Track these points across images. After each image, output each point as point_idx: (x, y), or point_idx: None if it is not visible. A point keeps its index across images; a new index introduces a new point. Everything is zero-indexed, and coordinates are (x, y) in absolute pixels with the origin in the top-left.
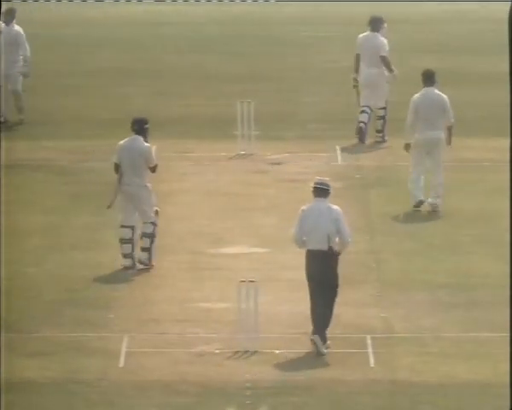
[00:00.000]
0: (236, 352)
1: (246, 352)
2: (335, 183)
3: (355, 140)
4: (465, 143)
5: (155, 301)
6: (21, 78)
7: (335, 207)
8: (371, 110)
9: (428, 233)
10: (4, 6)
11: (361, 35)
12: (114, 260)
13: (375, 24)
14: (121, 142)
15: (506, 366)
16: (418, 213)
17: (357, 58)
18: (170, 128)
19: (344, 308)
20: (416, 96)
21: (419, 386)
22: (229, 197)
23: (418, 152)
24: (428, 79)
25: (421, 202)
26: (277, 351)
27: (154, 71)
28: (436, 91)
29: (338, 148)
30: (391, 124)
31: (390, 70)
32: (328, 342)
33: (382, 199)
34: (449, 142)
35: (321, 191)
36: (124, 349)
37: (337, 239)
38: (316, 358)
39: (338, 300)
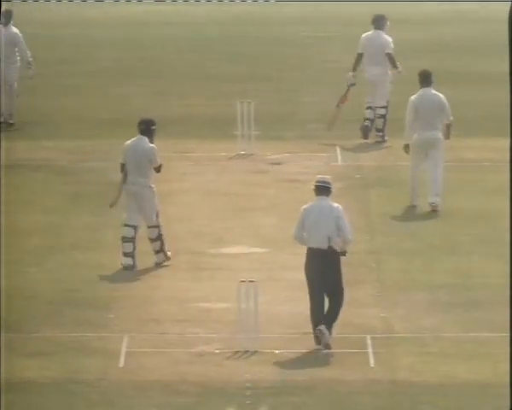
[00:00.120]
0: (236, 352)
1: (246, 352)
2: (335, 183)
3: (355, 140)
4: (465, 143)
5: (155, 301)
6: (16, 84)
7: (336, 205)
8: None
9: (428, 233)
10: (4, 6)
11: (364, 34)
12: (114, 260)
13: (379, 22)
14: (127, 142)
15: (506, 366)
16: (418, 214)
17: (359, 58)
18: (170, 128)
19: (344, 308)
20: (414, 97)
21: (419, 386)
22: (229, 197)
23: (417, 153)
24: (425, 79)
25: (413, 207)
26: (277, 351)
27: (154, 71)
28: (433, 92)
29: (338, 148)
30: (391, 124)
31: (395, 67)
32: (321, 341)
33: (382, 199)
34: (447, 136)
35: (322, 189)
36: (124, 349)
37: (338, 237)
38: (316, 358)
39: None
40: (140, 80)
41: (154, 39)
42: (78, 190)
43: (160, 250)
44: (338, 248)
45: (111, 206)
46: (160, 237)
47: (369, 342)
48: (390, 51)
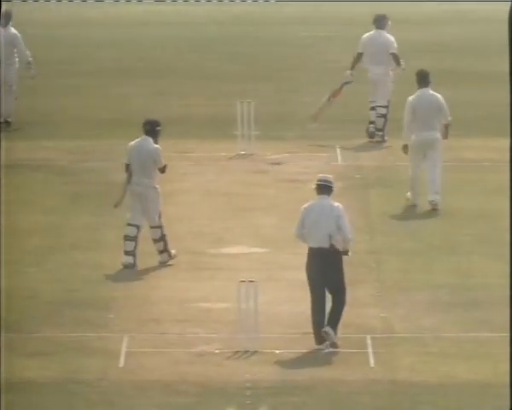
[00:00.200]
0: (236, 352)
1: (246, 352)
2: (335, 183)
3: (355, 140)
4: (465, 143)
5: (155, 301)
6: (15, 85)
7: (337, 204)
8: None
9: (428, 233)
10: (4, 7)
11: (365, 35)
12: (114, 260)
13: (381, 21)
14: (131, 142)
15: (506, 366)
16: (418, 213)
17: (358, 57)
18: (170, 128)
19: (345, 308)
20: (412, 97)
21: (419, 386)
22: (229, 197)
23: (415, 153)
24: (423, 79)
25: (413, 206)
26: (277, 351)
27: (154, 71)
28: (431, 92)
29: (338, 148)
30: (391, 124)
31: (399, 65)
32: (328, 342)
33: (382, 199)
34: (445, 136)
35: (324, 188)
36: (124, 349)
37: (338, 237)
38: (316, 358)
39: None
40: (140, 80)
41: (154, 39)
42: (78, 190)
43: (164, 250)
44: (339, 245)
45: (115, 206)
46: (163, 238)
47: (369, 342)
48: (395, 51)
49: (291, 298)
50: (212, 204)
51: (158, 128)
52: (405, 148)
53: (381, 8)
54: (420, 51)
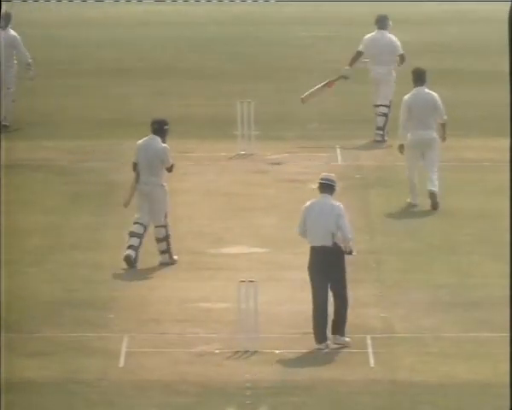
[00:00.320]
0: (236, 352)
1: (246, 352)
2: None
3: (355, 140)
4: (465, 143)
5: (155, 301)
6: (13, 89)
7: (338, 203)
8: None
9: (428, 233)
10: (4, 8)
11: (368, 35)
12: (114, 260)
13: (383, 22)
14: (139, 141)
15: (506, 366)
16: (418, 213)
17: (358, 55)
18: (170, 128)
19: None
20: (408, 96)
21: (419, 386)
22: (229, 197)
23: (412, 153)
24: (419, 78)
25: (414, 206)
26: (277, 351)
27: (154, 71)
28: (426, 90)
29: (338, 148)
30: (391, 124)
31: (403, 62)
32: (328, 342)
33: (382, 199)
34: (443, 138)
35: (326, 187)
36: (124, 349)
37: (339, 235)
38: (316, 358)
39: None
40: (140, 80)
41: (154, 39)
42: (78, 190)
43: (166, 251)
44: (341, 243)
45: (125, 206)
46: (166, 238)
47: (369, 342)
48: (402, 52)
49: (291, 298)
50: (212, 204)
51: (166, 127)
52: (401, 147)
53: (381, 8)
54: (420, 51)
